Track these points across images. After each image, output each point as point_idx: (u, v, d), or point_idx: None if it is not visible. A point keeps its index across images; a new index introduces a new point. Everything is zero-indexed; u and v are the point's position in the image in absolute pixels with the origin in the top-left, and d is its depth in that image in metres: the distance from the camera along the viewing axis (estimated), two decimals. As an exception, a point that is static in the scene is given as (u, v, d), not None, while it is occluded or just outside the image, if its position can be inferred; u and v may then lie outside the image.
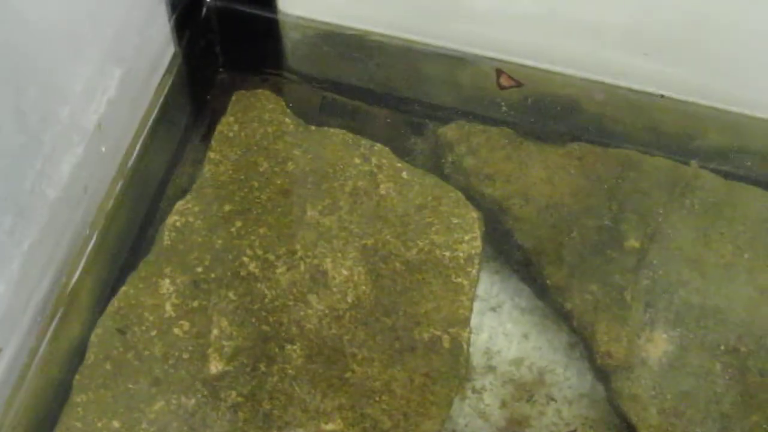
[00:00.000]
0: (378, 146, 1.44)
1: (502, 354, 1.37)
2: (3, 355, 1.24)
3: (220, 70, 1.56)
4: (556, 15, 1.42)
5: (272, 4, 1.56)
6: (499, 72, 1.51)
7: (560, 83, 1.50)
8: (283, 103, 1.48)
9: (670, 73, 1.45)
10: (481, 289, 1.40)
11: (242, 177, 1.41)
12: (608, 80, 1.49)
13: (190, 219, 1.37)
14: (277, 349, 1.29)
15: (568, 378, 1.36)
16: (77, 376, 1.27)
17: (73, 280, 1.35)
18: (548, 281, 1.36)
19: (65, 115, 1.25)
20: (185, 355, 1.28)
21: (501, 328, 1.39)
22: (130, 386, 1.27)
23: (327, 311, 1.32)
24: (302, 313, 1.31)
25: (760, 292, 1.34)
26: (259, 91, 1.50)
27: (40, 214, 1.25)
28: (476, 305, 1.36)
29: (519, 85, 1.51)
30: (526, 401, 1.35)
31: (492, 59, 1.51)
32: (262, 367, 1.28)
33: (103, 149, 1.36)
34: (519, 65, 1.51)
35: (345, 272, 1.34)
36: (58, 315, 1.32)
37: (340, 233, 1.37)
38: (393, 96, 1.53)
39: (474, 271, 1.35)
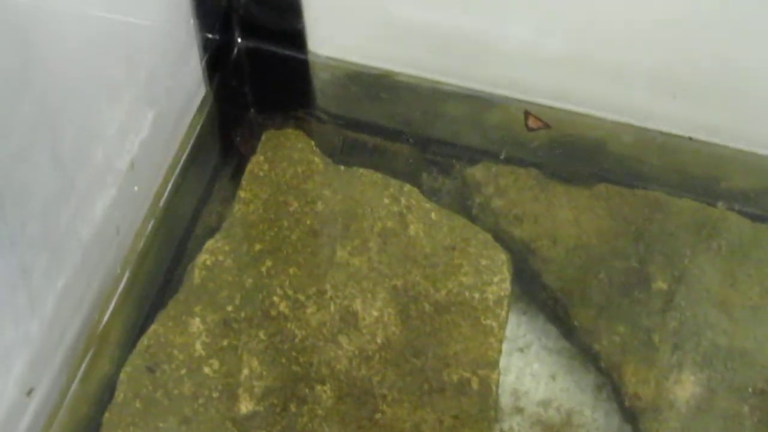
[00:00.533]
0: (407, 187, 1.45)
1: (529, 395, 1.37)
2: (35, 394, 1.24)
3: (251, 109, 1.57)
4: (583, 57, 1.43)
5: (302, 45, 1.57)
6: (527, 114, 1.52)
7: (588, 125, 1.50)
8: (313, 143, 1.49)
9: (698, 116, 1.45)
10: (509, 330, 1.39)
11: (272, 216, 1.42)
12: (636, 122, 1.49)
13: (220, 258, 1.38)
14: (307, 390, 1.29)
15: (595, 419, 1.36)
16: (107, 414, 1.27)
17: (105, 318, 1.35)
18: (575, 322, 1.36)
19: (99, 157, 1.26)
20: (215, 395, 1.28)
21: (528, 369, 1.39)
22: (160, 425, 1.27)
23: (357, 352, 1.32)
24: (332, 354, 1.31)
25: (788, 334, 1.35)
26: (289, 130, 1.50)
27: (74, 255, 1.26)
28: (504, 345, 1.36)
29: (547, 126, 1.51)
30: (554, 442, 1.35)
31: (519, 101, 1.52)
32: (293, 408, 1.28)
33: (136, 189, 1.37)
34: (547, 107, 1.51)
35: (375, 313, 1.34)
36: (89, 354, 1.33)
37: (369, 274, 1.37)
38: (421, 136, 1.53)
39: (503, 313, 1.35)
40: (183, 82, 1.47)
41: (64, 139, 1.17)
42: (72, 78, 1.16)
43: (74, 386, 1.31)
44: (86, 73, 1.19)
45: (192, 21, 1.44)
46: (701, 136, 1.48)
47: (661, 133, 1.49)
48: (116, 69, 1.27)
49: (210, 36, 1.50)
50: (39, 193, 1.14)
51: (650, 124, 1.48)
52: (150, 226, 1.43)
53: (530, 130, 1.51)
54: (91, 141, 1.24)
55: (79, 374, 1.31)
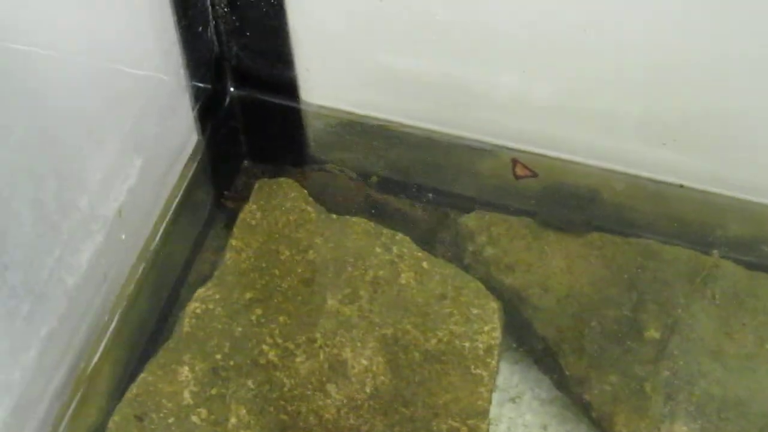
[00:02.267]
0: (399, 235, 1.45)
1: (521, 445, 1.37)
2: (18, 442, 1.24)
3: (244, 158, 1.57)
4: (573, 105, 1.43)
5: (295, 94, 1.57)
6: (514, 162, 1.52)
7: (580, 173, 1.50)
8: (305, 192, 1.49)
9: (688, 163, 1.45)
10: (501, 379, 1.39)
11: (264, 265, 1.42)
12: (627, 170, 1.49)
13: (211, 306, 1.38)
14: (295, 439, 1.29)
15: (587, 470, 1.35)
16: (94, 464, 1.28)
17: (91, 365, 1.35)
18: (567, 372, 1.34)
19: (84, 204, 1.26)
20: (202, 444, 1.29)
21: (520, 420, 1.38)
22: (148, 474, 1.27)
23: (345, 401, 1.31)
24: (321, 403, 1.31)
25: (783, 383, 1.33)
26: (282, 179, 1.51)
27: (59, 302, 1.25)
28: (495, 396, 1.35)
29: (534, 175, 1.51)
30: (545, 493, 1.34)
31: (511, 149, 1.52)
32: (279, 457, 1.28)
33: (124, 237, 1.37)
34: (538, 155, 1.51)
35: (364, 362, 1.34)
36: (76, 401, 1.32)
37: (360, 322, 1.37)
38: (414, 185, 1.53)
39: (493, 362, 1.34)
40: (173, 130, 1.47)
41: (46, 186, 1.17)
42: (54, 125, 1.17)
43: (61, 434, 1.31)
44: (70, 119, 1.20)
45: (183, 70, 1.45)
46: (693, 184, 1.47)
47: (653, 181, 1.49)
48: (102, 116, 1.28)
49: (202, 85, 1.51)
50: (20, 240, 1.14)
51: (641, 172, 1.48)
52: (140, 273, 1.43)
53: (518, 178, 1.51)
54: (75, 188, 1.24)
55: (65, 422, 1.31)
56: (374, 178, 1.54)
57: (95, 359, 1.35)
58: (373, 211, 1.50)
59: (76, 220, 1.25)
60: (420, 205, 1.52)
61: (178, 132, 1.49)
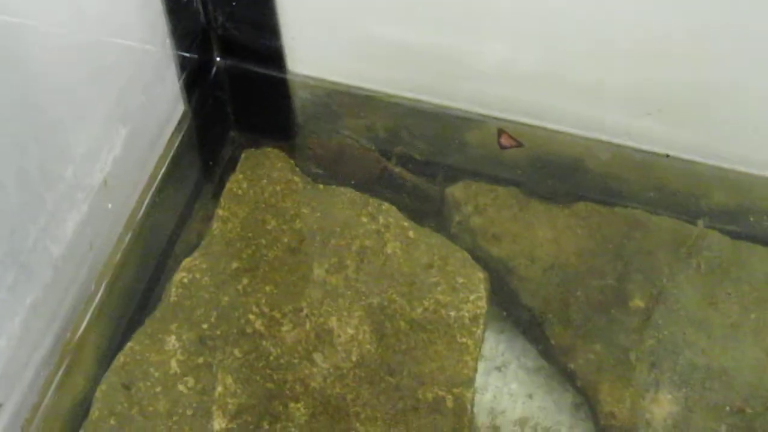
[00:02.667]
0: (385, 205, 1.45)
1: (506, 414, 1.36)
2: (3, 410, 1.24)
3: (231, 128, 1.57)
4: (559, 75, 1.43)
5: (281, 64, 1.57)
6: (500, 132, 1.52)
7: (566, 143, 1.50)
8: (292, 162, 1.50)
9: (674, 133, 1.45)
10: (487, 349, 1.39)
11: (250, 234, 1.42)
12: (613, 140, 1.49)
13: (197, 275, 1.38)
14: (281, 407, 1.29)
15: (572, 438, 1.36)
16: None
17: (78, 335, 1.35)
18: (552, 341, 1.35)
19: (69, 174, 1.26)
20: (189, 412, 1.28)
21: (506, 388, 1.38)
22: (135, 442, 1.28)
23: (331, 370, 1.32)
24: (307, 372, 1.31)
25: (767, 353, 1.33)
26: (269, 149, 1.51)
27: (44, 271, 1.26)
28: (481, 365, 1.36)
29: (520, 145, 1.51)
30: (530, 462, 1.34)
31: (497, 119, 1.52)
32: (266, 425, 1.28)
33: (109, 206, 1.37)
34: (524, 125, 1.51)
35: (350, 331, 1.34)
36: (62, 370, 1.33)
37: (346, 292, 1.37)
38: (400, 154, 1.53)
39: (479, 332, 1.35)
40: (159, 100, 1.47)
41: (31, 156, 1.17)
42: (39, 95, 1.17)
43: (47, 402, 1.31)
44: (55, 90, 1.20)
45: (169, 40, 1.45)
46: (679, 154, 1.47)
47: (638, 151, 1.49)
48: (87, 86, 1.27)
49: (188, 55, 1.51)
50: (4, 209, 1.15)
51: (627, 142, 1.48)
52: (126, 242, 1.43)
53: (503, 148, 1.51)
54: (60, 158, 1.24)
55: (52, 390, 1.31)
56: (359, 148, 1.54)
57: (82, 328, 1.36)
58: (353, 182, 1.50)
59: (61, 189, 1.26)
60: (406, 174, 1.52)
61: (164, 102, 1.49)
